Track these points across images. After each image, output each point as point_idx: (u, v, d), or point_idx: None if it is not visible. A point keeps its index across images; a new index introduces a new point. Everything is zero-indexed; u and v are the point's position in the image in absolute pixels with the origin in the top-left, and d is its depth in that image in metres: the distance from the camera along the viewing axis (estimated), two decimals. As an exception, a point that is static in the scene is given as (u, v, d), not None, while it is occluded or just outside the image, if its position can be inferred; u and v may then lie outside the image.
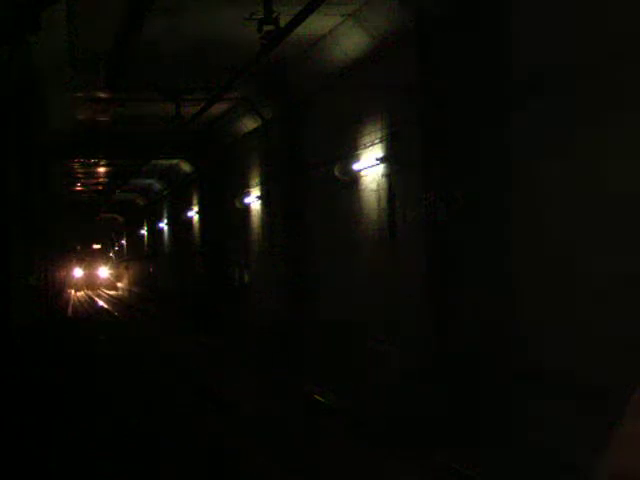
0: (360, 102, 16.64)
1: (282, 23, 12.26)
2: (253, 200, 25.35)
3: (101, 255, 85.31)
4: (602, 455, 4.31)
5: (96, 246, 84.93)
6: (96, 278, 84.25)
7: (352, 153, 16.97)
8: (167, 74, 19.75)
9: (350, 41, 16.04)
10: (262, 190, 24.48)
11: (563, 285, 10.66)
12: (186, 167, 35.35)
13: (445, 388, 12.69)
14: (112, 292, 75.51)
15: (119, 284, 77.25)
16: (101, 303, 58.17)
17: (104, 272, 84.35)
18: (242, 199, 26.40)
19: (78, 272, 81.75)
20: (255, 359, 21.06)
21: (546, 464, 9.73)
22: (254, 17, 12.99)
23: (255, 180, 25.31)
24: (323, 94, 18.72)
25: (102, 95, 21.56)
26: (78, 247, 79.37)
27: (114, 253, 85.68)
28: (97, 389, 16.72)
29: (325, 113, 18.94)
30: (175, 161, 34.96)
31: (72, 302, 58.26)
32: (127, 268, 72.89)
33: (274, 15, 12.21)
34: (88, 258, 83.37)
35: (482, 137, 12.49)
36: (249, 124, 24.78)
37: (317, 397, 14.99)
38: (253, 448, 11.98)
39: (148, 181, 43.39)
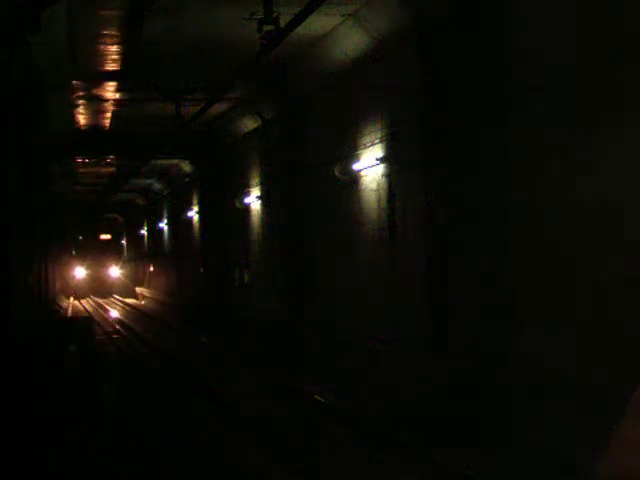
0: (360, 102, 16.64)
1: (282, 23, 12.25)
2: (253, 200, 25.35)
3: (112, 249, 61.92)
4: (602, 455, 4.30)
5: (104, 237, 62.67)
6: (105, 280, 59.78)
7: (352, 153, 16.98)
8: (167, 74, 19.75)
9: (350, 41, 16.04)
10: (262, 190, 24.48)
11: (563, 285, 10.66)
12: (186, 167, 35.35)
13: (445, 388, 12.70)
14: (130, 300, 52.66)
15: (141, 289, 54.21)
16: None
17: (115, 272, 60.35)
18: (242, 199, 26.40)
19: (80, 272, 59.30)
20: (255, 359, 21.04)
21: (546, 464, 9.72)
22: (254, 17, 12.98)
23: (255, 180, 25.31)
24: (323, 94, 18.73)
25: (102, 95, 21.56)
26: (80, 237, 61.14)
27: (129, 248, 63.67)
28: (95, 385, 16.70)
29: (325, 113, 18.95)
30: (175, 161, 34.96)
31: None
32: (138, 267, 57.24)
33: (274, 15, 12.20)
34: (94, 252, 60.05)
35: (482, 137, 12.49)
36: (249, 124, 24.78)
37: (317, 397, 14.98)
38: (253, 448, 11.99)
39: (148, 181, 43.37)
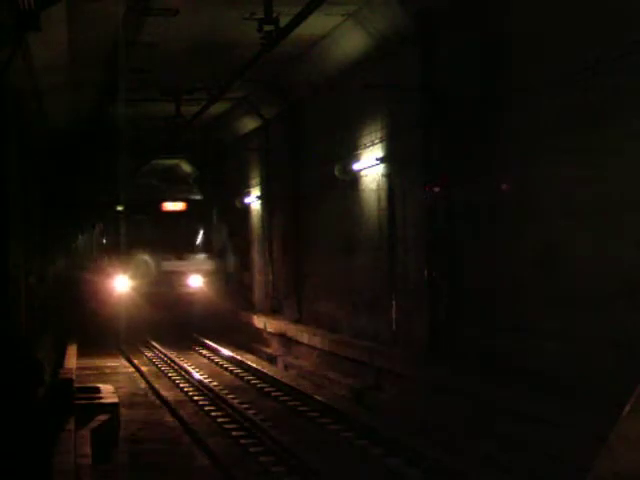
0: (360, 102, 16.64)
1: (282, 23, 12.26)
2: (253, 200, 25.33)
3: (190, 230, 27.20)
4: (602, 455, 4.32)
5: (175, 206, 27.37)
6: (178, 299, 25.36)
7: (352, 153, 16.98)
8: (167, 74, 19.75)
9: (350, 41, 16.04)
10: (262, 190, 24.47)
11: (562, 284, 10.67)
12: (186, 167, 35.31)
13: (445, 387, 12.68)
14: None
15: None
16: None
17: (197, 281, 25.93)
18: (242, 199, 26.37)
19: (121, 282, 25.27)
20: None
21: (548, 464, 9.72)
22: (254, 17, 12.99)
23: (255, 180, 25.30)
24: (323, 94, 18.72)
25: (102, 95, 21.55)
26: (118, 208, 26.88)
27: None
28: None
29: (325, 113, 18.94)
30: (175, 161, 34.90)
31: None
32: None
33: (274, 15, 12.20)
34: (153, 241, 25.95)
35: (482, 137, 12.50)
36: (249, 124, 24.77)
37: (317, 397, 14.97)
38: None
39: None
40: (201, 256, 26.29)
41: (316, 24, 15.15)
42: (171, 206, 27.05)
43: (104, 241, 28.07)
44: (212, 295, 25.95)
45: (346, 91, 17.32)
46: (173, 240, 25.99)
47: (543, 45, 10.97)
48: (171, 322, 24.60)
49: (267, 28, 12.32)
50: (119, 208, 26.55)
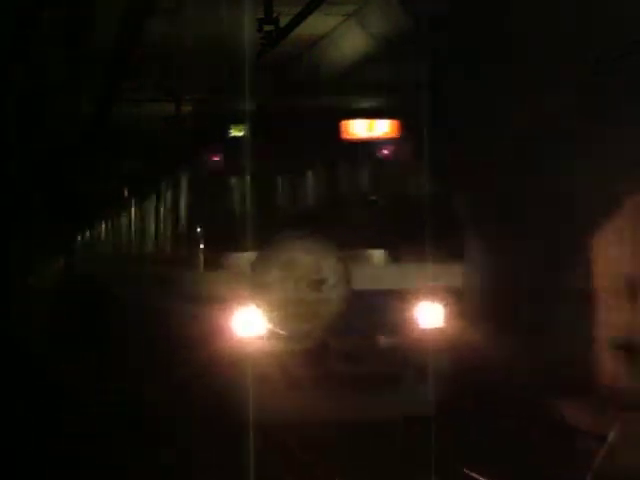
0: (360, 102, 16.62)
1: (282, 23, 12.27)
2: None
3: (411, 191, 10.95)
4: (602, 455, 4.32)
5: (373, 129, 10.82)
6: (402, 364, 9.64)
7: (352, 153, 16.95)
8: (167, 74, 19.74)
9: (350, 41, 16.04)
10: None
11: (563, 284, 10.67)
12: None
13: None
14: None
15: None
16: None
17: (433, 315, 9.67)
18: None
19: (245, 321, 8.98)
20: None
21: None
22: (254, 17, 12.99)
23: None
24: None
25: (102, 95, 21.56)
26: (233, 133, 9.79)
27: None
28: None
29: (325, 113, 18.92)
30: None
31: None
32: None
33: (274, 15, 12.20)
34: (328, 205, 10.52)
35: (483, 137, 12.51)
36: (249, 124, 24.73)
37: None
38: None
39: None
40: (439, 255, 10.25)
41: (316, 24, 15.14)
42: (365, 129, 11.68)
43: (189, 220, 11.95)
44: (471, 349, 10.58)
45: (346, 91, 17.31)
46: (372, 216, 11.14)
47: (543, 45, 10.98)
48: (380, 423, 9.92)
49: (267, 28, 12.32)
50: (234, 133, 11.06)
